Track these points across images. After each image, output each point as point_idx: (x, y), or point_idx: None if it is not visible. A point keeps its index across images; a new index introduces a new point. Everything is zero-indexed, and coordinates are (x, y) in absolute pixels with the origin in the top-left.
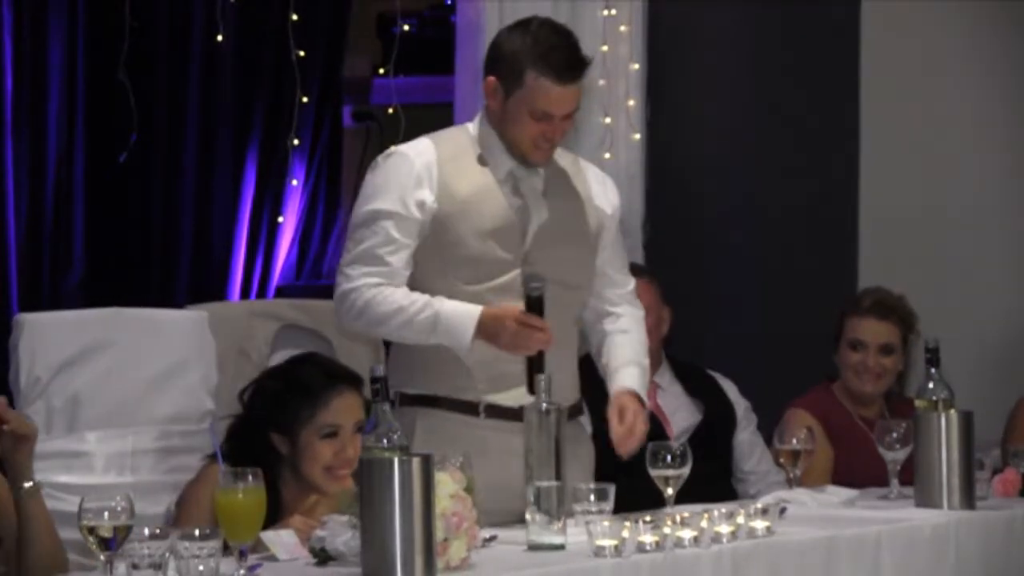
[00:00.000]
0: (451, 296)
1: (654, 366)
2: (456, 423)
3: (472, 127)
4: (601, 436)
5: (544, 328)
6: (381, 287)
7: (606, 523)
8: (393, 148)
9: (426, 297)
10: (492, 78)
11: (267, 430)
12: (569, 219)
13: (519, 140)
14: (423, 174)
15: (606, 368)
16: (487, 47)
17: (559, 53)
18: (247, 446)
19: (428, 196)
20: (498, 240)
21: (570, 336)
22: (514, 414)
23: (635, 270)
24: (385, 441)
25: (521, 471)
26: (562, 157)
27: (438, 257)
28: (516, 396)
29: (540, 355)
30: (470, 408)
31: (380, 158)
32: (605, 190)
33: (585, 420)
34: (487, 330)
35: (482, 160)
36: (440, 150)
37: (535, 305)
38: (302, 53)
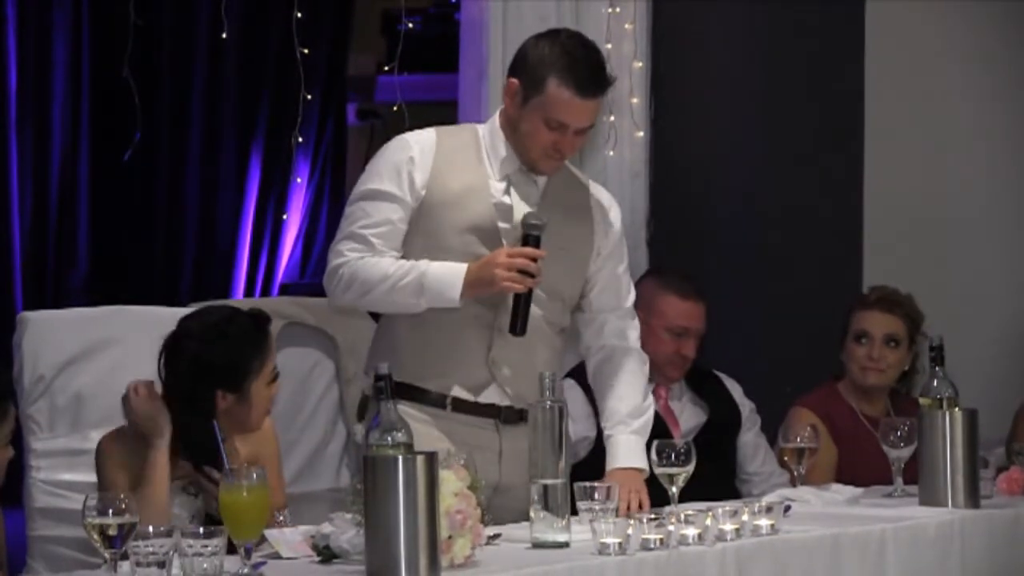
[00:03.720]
0: None
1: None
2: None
3: (482, 128)
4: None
5: (537, 258)
6: (366, 257)
7: (611, 521)
8: (401, 135)
9: (412, 262)
10: (515, 80)
11: (214, 390)
12: (559, 231)
13: (530, 147)
14: (418, 159)
15: (603, 421)
16: (492, 45)
17: (584, 65)
18: (192, 412)
19: (419, 181)
20: (479, 236)
21: (552, 342)
22: (479, 409)
23: (693, 293)
24: (389, 439)
25: (490, 466)
26: (572, 174)
27: (420, 244)
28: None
29: (529, 293)
30: (437, 401)
31: (387, 143)
32: (605, 216)
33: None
34: (477, 277)
35: (482, 159)
36: (442, 141)
37: (532, 244)
38: (306, 51)
